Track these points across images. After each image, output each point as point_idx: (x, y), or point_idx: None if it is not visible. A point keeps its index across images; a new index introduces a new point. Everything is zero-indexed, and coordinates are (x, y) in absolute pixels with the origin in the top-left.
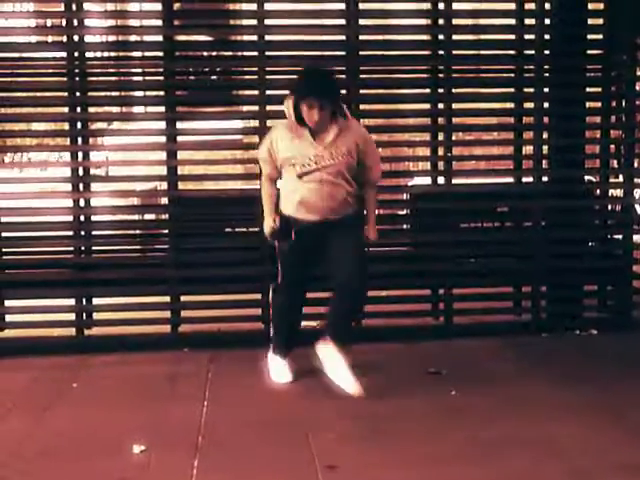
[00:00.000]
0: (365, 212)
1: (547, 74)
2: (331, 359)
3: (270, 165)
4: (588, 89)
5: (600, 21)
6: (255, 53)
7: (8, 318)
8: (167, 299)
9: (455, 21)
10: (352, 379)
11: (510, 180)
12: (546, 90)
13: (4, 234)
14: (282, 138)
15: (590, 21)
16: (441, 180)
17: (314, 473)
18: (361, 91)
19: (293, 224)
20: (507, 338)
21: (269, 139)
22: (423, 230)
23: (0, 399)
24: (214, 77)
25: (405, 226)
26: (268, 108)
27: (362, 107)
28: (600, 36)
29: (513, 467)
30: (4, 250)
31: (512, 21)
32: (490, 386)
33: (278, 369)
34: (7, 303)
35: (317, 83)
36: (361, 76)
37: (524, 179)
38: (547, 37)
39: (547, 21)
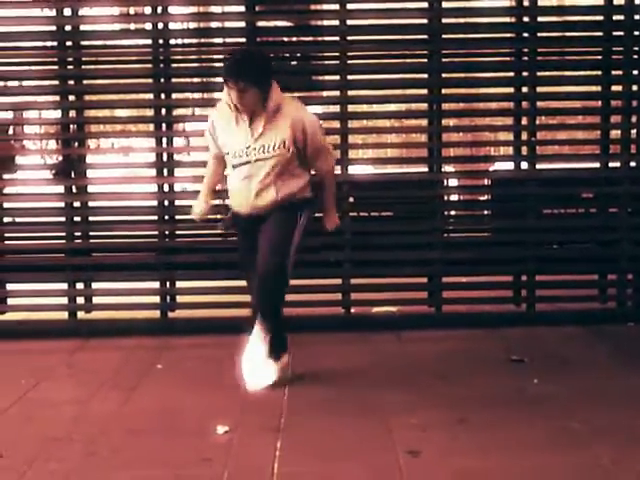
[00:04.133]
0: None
1: (636, 56)
2: (250, 346)
3: (212, 144)
4: None
5: None
6: (336, 38)
7: (95, 300)
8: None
9: (540, 2)
10: (259, 371)
11: (596, 165)
12: (635, 72)
13: (91, 218)
14: (221, 118)
15: None
16: (524, 165)
17: (395, 458)
18: (443, 75)
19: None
20: (591, 327)
21: (210, 118)
22: (505, 216)
23: (89, 379)
24: (295, 62)
25: (487, 212)
26: (349, 93)
27: (444, 91)
28: None
29: (598, 456)
30: (91, 234)
31: (600, 1)
32: (573, 375)
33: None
34: (94, 285)
35: (237, 64)
36: (443, 60)
37: (610, 164)
38: (637, 17)
39: (637, 1)
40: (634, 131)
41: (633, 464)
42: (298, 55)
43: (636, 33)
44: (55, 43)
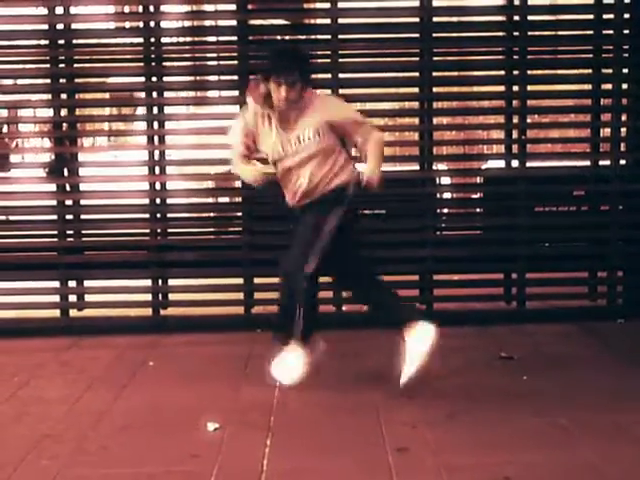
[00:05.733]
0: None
1: (626, 54)
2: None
3: (240, 145)
4: None
5: None
6: (328, 36)
7: (87, 298)
8: (241, 281)
9: (531, 1)
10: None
11: (586, 163)
12: (625, 71)
13: (83, 216)
14: (255, 117)
15: None
16: (515, 163)
17: (384, 455)
18: (434, 73)
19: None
20: (581, 324)
21: (243, 120)
22: (497, 214)
23: (80, 377)
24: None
25: (478, 209)
26: (341, 92)
27: (435, 90)
28: None
29: (585, 454)
30: (83, 232)
31: (590, 0)
32: (562, 372)
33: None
34: (86, 283)
35: (288, 58)
36: (435, 58)
37: (601, 162)
38: (626, 16)
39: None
40: (624, 129)
41: (621, 460)
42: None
43: (626, 31)
44: (47, 42)
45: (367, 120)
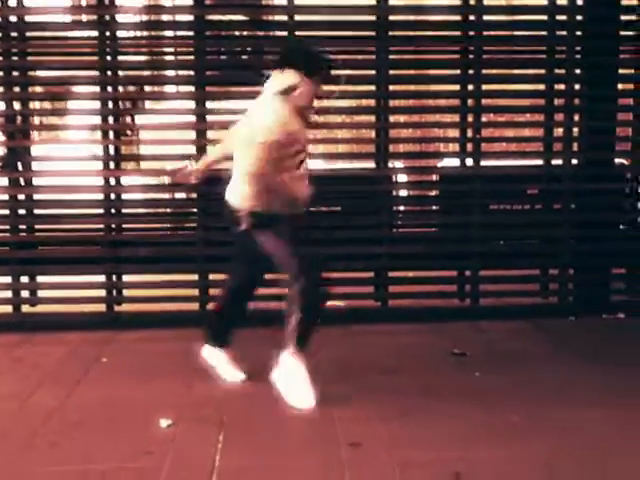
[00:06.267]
0: None
1: (579, 55)
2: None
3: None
4: (620, 71)
5: (634, 1)
6: (285, 33)
7: (40, 294)
8: (195, 277)
9: (486, 1)
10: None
11: (540, 162)
12: (577, 72)
13: (37, 211)
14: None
15: (623, 1)
16: (470, 162)
17: (336, 450)
18: (391, 72)
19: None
20: (534, 321)
21: (284, 119)
22: (451, 212)
23: (32, 373)
24: (245, 57)
25: (434, 207)
26: None
27: (392, 87)
28: (633, 17)
29: (536, 449)
30: (37, 227)
31: (544, 1)
32: (515, 368)
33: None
34: (39, 279)
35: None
36: (391, 56)
37: (554, 161)
38: (579, 18)
39: (579, 1)
40: (576, 129)
41: (571, 456)
42: (248, 49)
43: (579, 33)
44: (0, 34)
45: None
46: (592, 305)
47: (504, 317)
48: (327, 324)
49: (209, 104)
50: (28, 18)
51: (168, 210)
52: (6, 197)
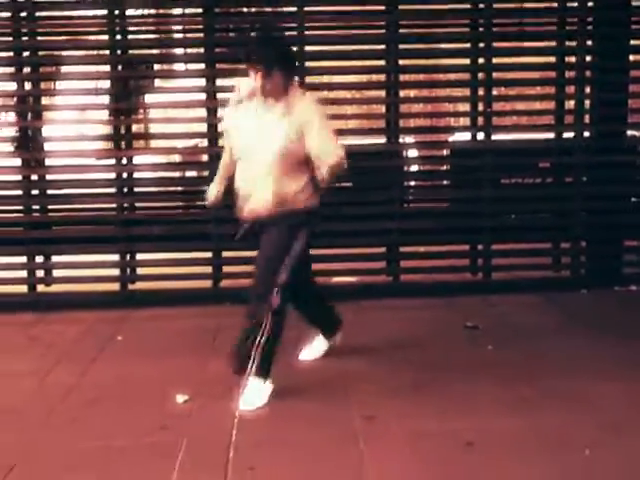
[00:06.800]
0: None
1: (590, 27)
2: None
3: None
4: (632, 42)
5: None
6: (294, 9)
7: (55, 273)
8: (209, 255)
9: None
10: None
11: (551, 135)
12: (589, 43)
13: (50, 191)
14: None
15: None
16: (481, 136)
17: (351, 423)
18: (401, 46)
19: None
20: (546, 294)
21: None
22: (462, 186)
23: (48, 351)
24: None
25: (445, 182)
26: (308, 64)
27: (402, 62)
28: None
29: (547, 421)
30: (50, 207)
31: None
32: (527, 342)
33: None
34: (54, 259)
35: (262, 46)
36: (401, 30)
37: (565, 134)
38: None
39: None
40: (588, 102)
41: (582, 429)
42: (257, 26)
43: (590, 4)
44: (9, 14)
45: (333, 136)
46: (604, 278)
47: (516, 291)
48: (339, 300)
49: (219, 81)
50: None
51: (180, 188)
52: (19, 177)
